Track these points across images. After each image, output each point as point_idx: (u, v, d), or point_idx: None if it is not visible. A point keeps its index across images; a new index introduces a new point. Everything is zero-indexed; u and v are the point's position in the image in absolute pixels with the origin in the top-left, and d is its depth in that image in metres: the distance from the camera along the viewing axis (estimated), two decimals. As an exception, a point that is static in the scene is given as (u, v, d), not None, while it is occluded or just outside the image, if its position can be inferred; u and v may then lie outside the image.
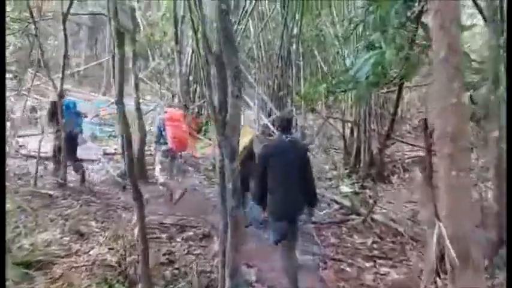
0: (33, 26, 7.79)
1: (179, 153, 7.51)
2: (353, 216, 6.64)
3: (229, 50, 3.13)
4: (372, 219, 6.32)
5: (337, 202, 7.33)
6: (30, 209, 6.09)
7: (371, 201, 7.26)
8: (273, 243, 4.21)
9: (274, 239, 4.14)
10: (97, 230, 5.55)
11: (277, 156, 4.09)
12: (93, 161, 9.71)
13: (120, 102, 3.11)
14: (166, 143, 6.74)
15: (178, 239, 5.55)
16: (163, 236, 5.60)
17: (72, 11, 8.00)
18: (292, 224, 4.12)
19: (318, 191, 4.26)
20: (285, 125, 4.25)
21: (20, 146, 10.41)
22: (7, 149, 9.31)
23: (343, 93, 7.13)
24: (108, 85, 18.84)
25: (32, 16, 7.76)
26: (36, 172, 7.27)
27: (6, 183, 7.01)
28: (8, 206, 5.97)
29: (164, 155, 6.86)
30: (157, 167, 6.90)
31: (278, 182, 4.06)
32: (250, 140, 5.71)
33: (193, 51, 13.23)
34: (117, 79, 3.14)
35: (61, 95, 7.44)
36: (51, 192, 6.95)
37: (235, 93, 3.01)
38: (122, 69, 3.18)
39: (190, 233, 5.77)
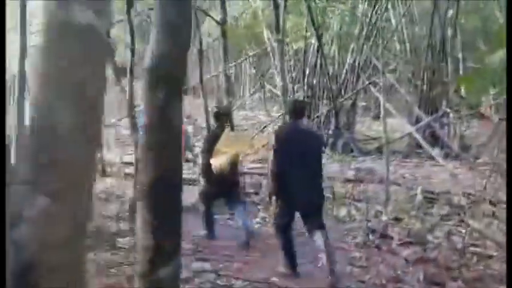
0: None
1: None
2: None
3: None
4: None
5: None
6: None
7: None
8: (275, 229, 4.11)
9: (277, 222, 4.06)
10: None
11: (288, 143, 3.95)
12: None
13: None
14: None
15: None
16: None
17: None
18: (307, 216, 4.00)
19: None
20: (296, 112, 4.11)
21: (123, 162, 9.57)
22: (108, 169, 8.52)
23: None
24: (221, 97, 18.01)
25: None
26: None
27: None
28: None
29: None
30: None
31: (288, 170, 3.90)
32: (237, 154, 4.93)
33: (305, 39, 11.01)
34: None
35: (131, 106, 6.10)
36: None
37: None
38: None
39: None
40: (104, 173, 8.28)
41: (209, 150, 4.78)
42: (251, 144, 5.13)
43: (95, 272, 3.86)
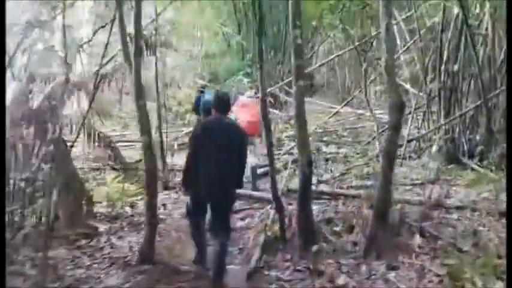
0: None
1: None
2: None
3: None
4: None
5: None
6: None
7: None
8: (190, 222, 4.25)
9: (194, 219, 4.17)
10: None
11: (210, 135, 3.94)
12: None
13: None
14: None
15: None
16: None
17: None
18: (217, 207, 3.99)
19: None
20: (221, 105, 4.12)
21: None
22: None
23: None
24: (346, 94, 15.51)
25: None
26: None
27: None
28: None
29: None
30: None
31: (207, 162, 3.87)
32: None
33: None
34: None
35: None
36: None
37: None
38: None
39: None
40: (167, 185, 6.70)
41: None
42: None
43: None
